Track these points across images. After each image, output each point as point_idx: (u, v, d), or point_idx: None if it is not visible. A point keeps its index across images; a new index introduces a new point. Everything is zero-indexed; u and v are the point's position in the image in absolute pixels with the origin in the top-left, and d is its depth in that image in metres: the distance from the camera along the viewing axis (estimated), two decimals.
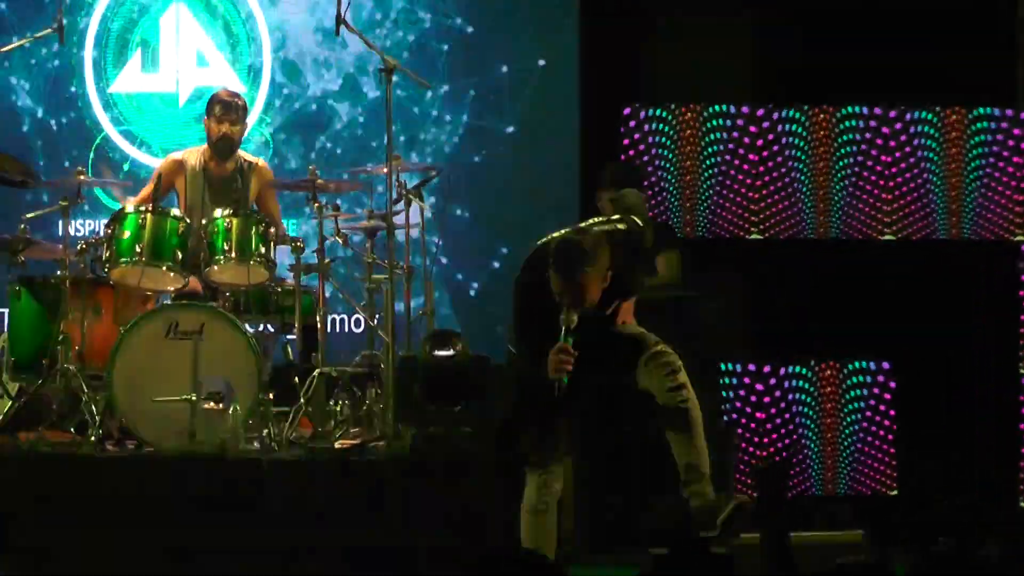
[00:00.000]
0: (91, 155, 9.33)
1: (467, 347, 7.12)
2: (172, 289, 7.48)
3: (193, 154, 8.11)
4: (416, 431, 6.90)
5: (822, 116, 9.65)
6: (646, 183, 9.26)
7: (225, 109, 7.98)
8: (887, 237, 9.67)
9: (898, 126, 9.65)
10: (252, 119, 8.67)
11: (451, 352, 7.07)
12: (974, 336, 9.49)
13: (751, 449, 9.31)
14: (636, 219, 5.78)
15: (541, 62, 9.50)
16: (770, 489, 5.53)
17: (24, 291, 7.54)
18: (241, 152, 8.13)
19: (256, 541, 6.60)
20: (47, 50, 9.33)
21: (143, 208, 7.39)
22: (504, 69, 9.53)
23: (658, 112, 9.51)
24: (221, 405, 6.94)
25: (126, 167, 9.39)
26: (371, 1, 9.52)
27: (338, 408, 7.53)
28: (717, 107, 9.58)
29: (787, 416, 9.43)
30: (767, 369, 9.43)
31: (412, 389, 7.03)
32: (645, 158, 9.48)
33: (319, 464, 6.78)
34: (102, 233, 7.53)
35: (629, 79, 9.51)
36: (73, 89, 9.44)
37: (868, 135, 9.65)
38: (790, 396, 9.45)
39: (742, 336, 9.19)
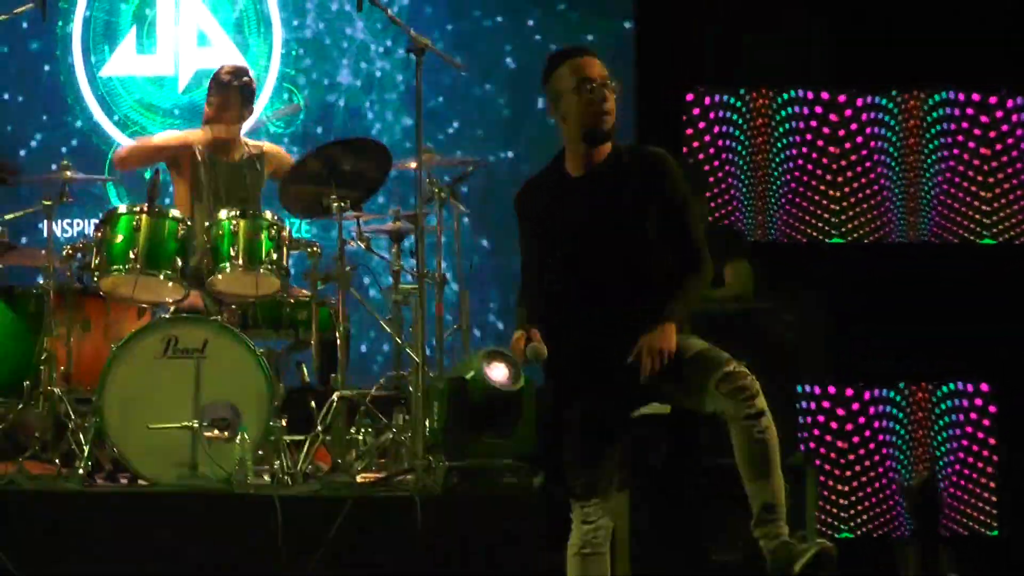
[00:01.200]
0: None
1: (520, 370, 7.08)
2: (171, 301, 7.43)
3: (197, 137, 7.98)
4: (451, 463, 6.85)
5: (912, 103, 9.63)
6: (712, 180, 9.24)
7: (241, 97, 7.87)
8: (986, 240, 9.61)
9: (999, 113, 9.62)
10: (261, 104, 8.64)
11: (508, 374, 7.03)
12: None
13: (831, 483, 9.25)
14: None
15: (591, 38, 9.46)
16: (925, 510, 5.39)
17: (2, 303, 7.52)
18: (244, 139, 8.03)
19: None
20: (28, 27, 9.30)
21: (137, 208, 7.32)
22: (553, 48, 9.49)
23: (726, 98, 9.50)
24: (226, 433, 6.94)
25: None
26: None
27: (360, 437, 7.49)
28: (793, 92, 9.60)
29: (872, 446, 9.41)
30: (850, 392, 9.43)
31: (461, 417, 6.99)
32: (710, 151, 9.45)
33: (338, 501, 6.71)
34: (91, 236, 7.48)
35: (693, 60, 9.48)
36: (59, 72, 9.42)
37: (965, 124, 9.62)
38: (876, 423, 9.42)
39: (821, 354, 9.14)
